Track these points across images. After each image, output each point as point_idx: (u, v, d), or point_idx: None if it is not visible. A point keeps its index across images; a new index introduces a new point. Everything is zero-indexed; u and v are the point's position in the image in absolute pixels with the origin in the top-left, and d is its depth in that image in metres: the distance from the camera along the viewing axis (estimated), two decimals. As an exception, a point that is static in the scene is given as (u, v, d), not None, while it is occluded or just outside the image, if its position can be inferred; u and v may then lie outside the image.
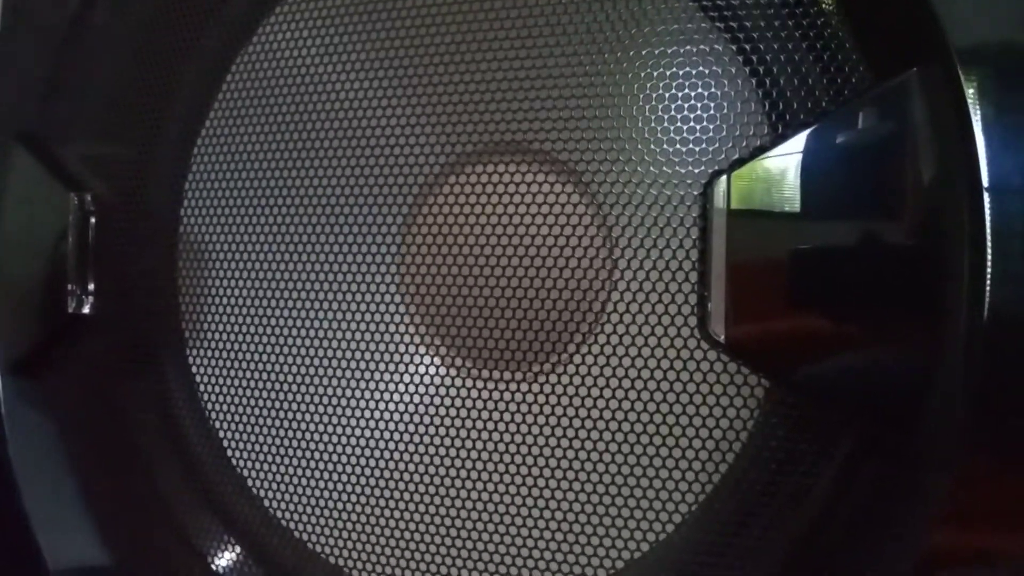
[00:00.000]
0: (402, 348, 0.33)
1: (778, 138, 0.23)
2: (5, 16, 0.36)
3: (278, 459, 0.33)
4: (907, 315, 0.22)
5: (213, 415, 0.35)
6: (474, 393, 0.31)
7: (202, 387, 0.35)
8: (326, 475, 0.32)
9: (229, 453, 0.34)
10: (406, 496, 0.32)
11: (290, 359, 0.33)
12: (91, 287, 0.34)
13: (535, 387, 0.30)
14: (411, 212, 0.32)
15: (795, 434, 0.25)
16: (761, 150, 0.23)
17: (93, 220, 0.34)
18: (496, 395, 0.31)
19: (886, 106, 0.22)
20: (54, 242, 0.34)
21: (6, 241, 0.35)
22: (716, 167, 0.24)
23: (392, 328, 0.32)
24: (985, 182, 0.21)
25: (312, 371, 0.33)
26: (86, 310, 0.34)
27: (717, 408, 0.26)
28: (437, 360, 0.32)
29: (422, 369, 0.32)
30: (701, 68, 0.26)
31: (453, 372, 0.32)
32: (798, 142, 0.23)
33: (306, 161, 0.33)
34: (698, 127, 0.25)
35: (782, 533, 0.26)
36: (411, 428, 0.32)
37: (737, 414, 0.26)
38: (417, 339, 0.33)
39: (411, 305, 0.33)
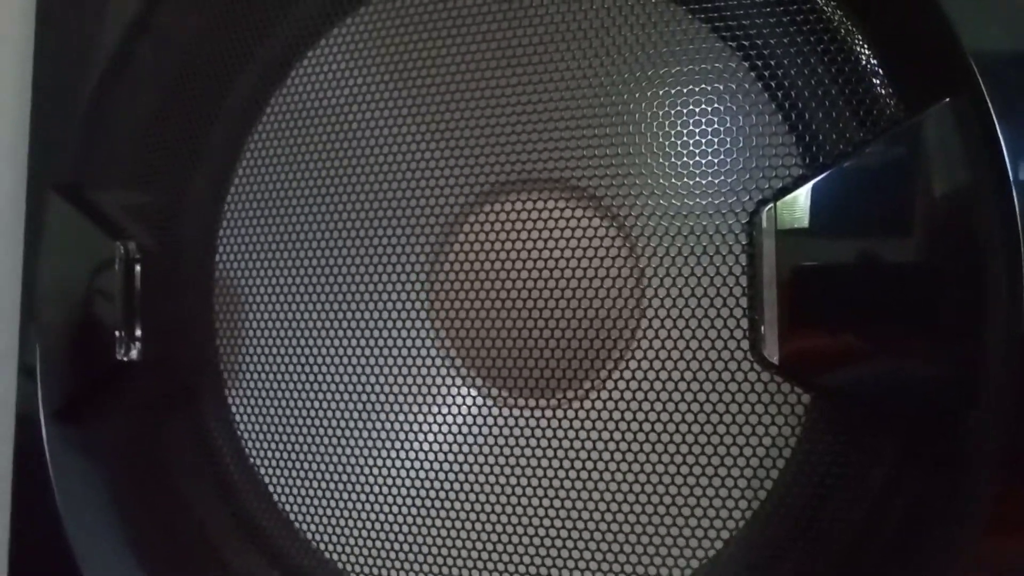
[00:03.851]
0: (439, 381, 0.33)
1: (819, 167, 0.25)
2: (37, 71, 0.36)
3: (321, 495, 0.34)
4: (952, 326, 0.23)
5: (253, 453, 0.35)
6: (512, 421, 0.32)
7: (241, 426, 0.35)
8: (371, 509, 0.33)
9: (271, 490, 0.35)
10: (453, 526, 0.32)
11: (327, 396, 0.34)
12: (138, 333, 0.34)
13: (571, 412, 0.31)
14: (441, 246, 0.33)
15: (841, 447, 0.26)
16: (804, 179, 0.24)
17: (138, 268, 0.34)
18: (535, 422, 0.31)
19: (921, 134, 0.23)
20: (98, 290, 0.34)
21: (47, 290, 0.35)
22: (761, 196, 0.25)
23: (428, 362, 0.33)
24: (1016, 201, 0.23)
25: (349, 407, 0.33)
26: (134, 356, 0.34)
27: (759, 426, 0.27)
28: (474, 391, 0.33)
29: (459, 400, 0.33)
30: (730, 104, 0.27)
31: (490, 402, 0.33)
32: (840, 171, 0.24)
33: (336, 201, 0.34)
34: (742, 159, 0.26)
35: (831, 544, 0.27)
36: (453, 460, 0.32)
37: (778, 431, 0.27)
38: (453, 371, 0.33)
39: (444, 338, 0.33)
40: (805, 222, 0.24)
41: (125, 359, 0.34)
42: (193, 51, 0.36)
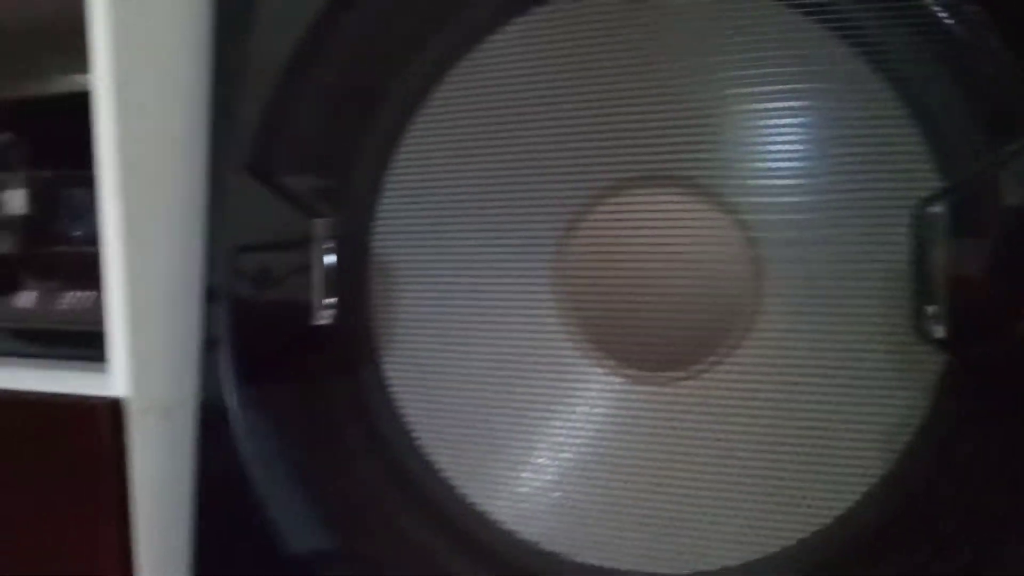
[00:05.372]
0: (571, 363, 0.37)
1: (985, 168, 0.29)
2: (219, 50, 0.39)
3: (475, 456, 0.37)
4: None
5: (411, 422, 0.38)
6: (646, 394, 0.35)
7: (397, 392, 0.39)
8: (524, 472, 0.36)
9: (433, 459, 0.38)
10: (600, 488, 0.36)
11: (472, 374, 0.37)
12: (328, 302, 0.38)
13: (700, 381, 0.35)
14: (568, 234, 0.37)
15: (974, 415, 0.30)
16: (964, 183, 0.29)
17: (328, 244, 0.37)
18: (667, 392, 0.35)
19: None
20: (295, 263, 0.37)
21: (238, 263, 0.38)
22: (926, 195, 0.29)
23: (559, 343, 0.37)
24: None
25: (495, 383, 0.37)
26: (325, 322, 0.38)
27: (896, 391, 0.31)
28: (604, 370, 0.37)
29: (592, 378, 0.36)
30: (876, 113, 0.31)
31: (620, 379, 0.36)
32: (995, 177, 0.28)
33: (480, 190, 0.37)
34: (895, 166, 0.30)
35: (954, 509, 0.31)
36: (595, 431, 0.36)
37: (910, 398, 0.31)
38: (584, 351, 0.37)
39: (572, 319, 0.37)
40: (969, 219, 0.28)
41: (319, 324, 0.37)
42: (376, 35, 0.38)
